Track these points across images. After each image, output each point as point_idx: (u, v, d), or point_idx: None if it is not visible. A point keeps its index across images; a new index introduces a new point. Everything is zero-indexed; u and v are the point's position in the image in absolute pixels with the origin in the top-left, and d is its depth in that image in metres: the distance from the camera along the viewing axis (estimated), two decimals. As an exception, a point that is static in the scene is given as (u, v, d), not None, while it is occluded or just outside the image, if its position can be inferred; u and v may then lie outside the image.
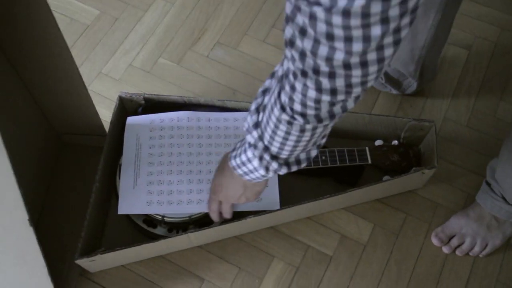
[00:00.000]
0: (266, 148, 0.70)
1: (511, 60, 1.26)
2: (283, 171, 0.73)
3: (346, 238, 1.06)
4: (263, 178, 0.77)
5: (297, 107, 0.60)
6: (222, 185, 0.87)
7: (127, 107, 1.11)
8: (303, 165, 0.74)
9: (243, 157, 0.74)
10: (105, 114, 1.18)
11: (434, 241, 1.05)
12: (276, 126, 0.65)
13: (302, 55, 0.53)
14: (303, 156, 0.73)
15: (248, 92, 1.22)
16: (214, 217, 0.95)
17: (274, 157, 0.71)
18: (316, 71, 0.53)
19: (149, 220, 1.00)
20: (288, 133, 0.65)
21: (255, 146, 0.71)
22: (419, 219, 1.08)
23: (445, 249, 1.04)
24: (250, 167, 0.75)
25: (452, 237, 1.05)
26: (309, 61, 0.53)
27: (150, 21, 1.32)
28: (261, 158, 0.71)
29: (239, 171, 0.78)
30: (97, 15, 1.32)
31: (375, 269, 1.04)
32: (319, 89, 0.56)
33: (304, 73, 0.55)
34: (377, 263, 1.04)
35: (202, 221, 0.99)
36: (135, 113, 1.10)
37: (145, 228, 0.99)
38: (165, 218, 0.97)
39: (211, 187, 0.93)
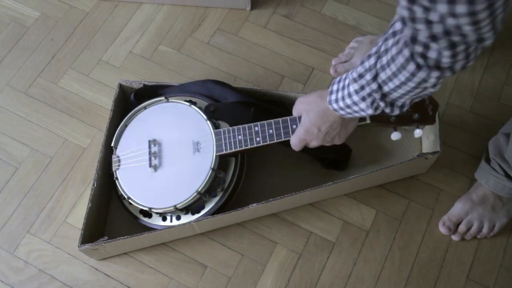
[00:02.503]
0: (379, 87, 0.70)
1: (515, 44, 1.25)
2: (387, 110, 0.74)
3: (349, 225, 1.06)
4: (363, 114, 0.78)
5: (433, 54, 0.58)
6: (316, 127, 0.85)
7: (127, 95, 1.10)
8: (404, 110, 0.74)
9: (348, 101, 0.75)
10: (106, 101, 1.18)
11: (443, 230, 1.04)
12: (399, 69, 0.64)
13: None
14: (408, 101, 0.73)
15: (249, 78, 1.21)
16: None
17: (384, 96, 0.71)
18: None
19: (145, 210, 0.99)
20: (411, 76, 0.63)
21: (362, 87, 0.72)
22: (422, 205, 1.08)
23: (455, 237, 1.04)
24: (356, 108, 0.75)
25: (459, 223, 1.04)
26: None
27: (150, 8, 1.31)
28: (370, 96, 0.72)
29: (341, 111, 0.79)
30: (96, 2, 1.31)
31: (378, 255, 1.04)
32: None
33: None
34: (380, 249, 1.04)
35: (191, 207, 0.97)
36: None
37: (142, 219, 0.99)
38: (152, 210, 0.97)
39: (301, 132, 0.88)
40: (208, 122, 0.97)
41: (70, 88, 1.20)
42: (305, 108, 0.87)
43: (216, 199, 0.97)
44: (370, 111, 0.74)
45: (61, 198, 1.09)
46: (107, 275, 1.02)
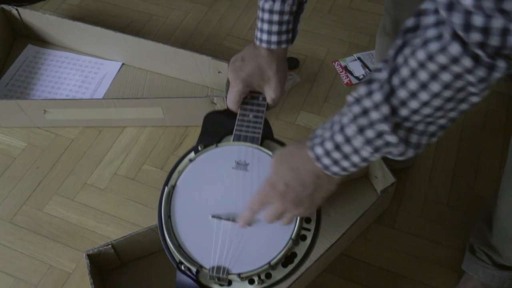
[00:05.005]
0: (393, 111, 0.54)
1: (479, 144, 1.33)
2: (397, 149, 0.57)
3: (344, 331, 1.04)
4: (355, 167, 0.62)
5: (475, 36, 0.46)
6: (291, 183, 0.66)
7: (97, 263, 1.05)
8: (420, 150, 0.58)
9: (339, 138, 0.59)
10: (91, 224, 1.19)
11: None
12: (436, 74, 0.50)
13: None
14: (424, 140, 0.57)
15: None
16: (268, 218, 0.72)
17: (397, 126, 0.55)
18: None
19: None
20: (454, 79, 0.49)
21: (365, 112, 0.56)
22: (414, 304, 1.07)
23: None
24: (348, 149, 0.59)
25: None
26: None
27: (133, 131, 1.37)
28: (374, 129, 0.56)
29: (325, 160, 0.62)
30: (81, 130, 1.37)
31: None
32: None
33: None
34: None
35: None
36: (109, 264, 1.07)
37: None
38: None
39: (267, 187, 0.69)
40: None
41: (55, 213, 1.21)
42: (277, 159, 0.70)
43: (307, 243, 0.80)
44: (368, 154, 0.58)
45: (45, 328, 1.05)
46: None
